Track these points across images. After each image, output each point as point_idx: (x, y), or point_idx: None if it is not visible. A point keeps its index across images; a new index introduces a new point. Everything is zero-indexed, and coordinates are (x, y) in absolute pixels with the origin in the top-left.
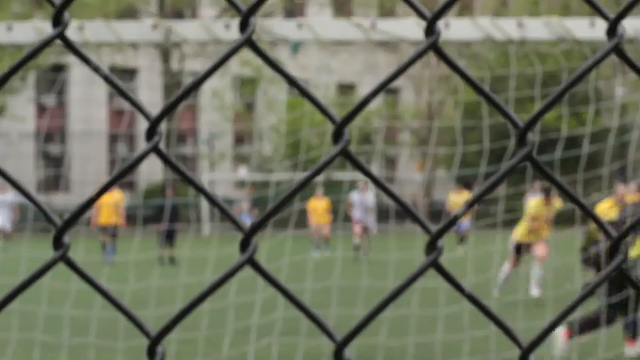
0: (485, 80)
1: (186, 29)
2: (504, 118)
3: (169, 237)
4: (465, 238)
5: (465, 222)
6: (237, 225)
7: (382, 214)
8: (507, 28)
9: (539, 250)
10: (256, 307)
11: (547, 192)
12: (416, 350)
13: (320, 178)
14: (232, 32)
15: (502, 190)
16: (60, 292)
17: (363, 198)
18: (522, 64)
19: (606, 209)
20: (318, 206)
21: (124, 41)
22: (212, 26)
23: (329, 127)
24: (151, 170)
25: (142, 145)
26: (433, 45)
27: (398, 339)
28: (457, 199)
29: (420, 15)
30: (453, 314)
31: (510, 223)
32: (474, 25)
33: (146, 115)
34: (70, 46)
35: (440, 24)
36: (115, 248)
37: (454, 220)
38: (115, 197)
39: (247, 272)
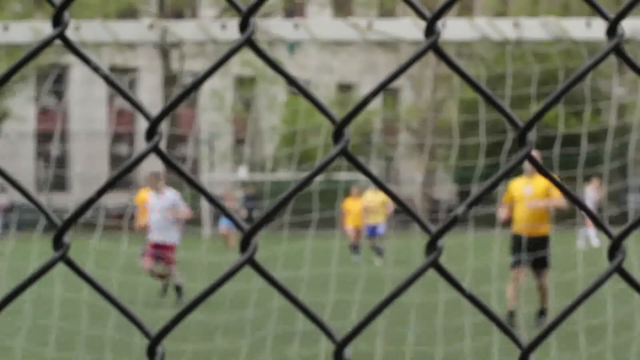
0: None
1: (183, 29)
2: (504, 118)
3: None
4: (381, 250)
5: (381, 225)
6: (237, 225)
7: None
8: (504, 28)
9: None
10: (256, 306)
11: None
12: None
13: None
14: (228, 32)
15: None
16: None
17: (160, 198)
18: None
19: None
20: (354, 207)
21: (120, 41)
22: (209, 26)
23: (330, 127)
24: (151, 171)
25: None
26: (433, 45)
27: (396, 346)
28: (374, 198)
29: (420, 15)
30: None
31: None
32: (470, 26)
33: (146, 115)
34: (70, 46)
35: (438, 24)
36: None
37: (454, 220)
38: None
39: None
